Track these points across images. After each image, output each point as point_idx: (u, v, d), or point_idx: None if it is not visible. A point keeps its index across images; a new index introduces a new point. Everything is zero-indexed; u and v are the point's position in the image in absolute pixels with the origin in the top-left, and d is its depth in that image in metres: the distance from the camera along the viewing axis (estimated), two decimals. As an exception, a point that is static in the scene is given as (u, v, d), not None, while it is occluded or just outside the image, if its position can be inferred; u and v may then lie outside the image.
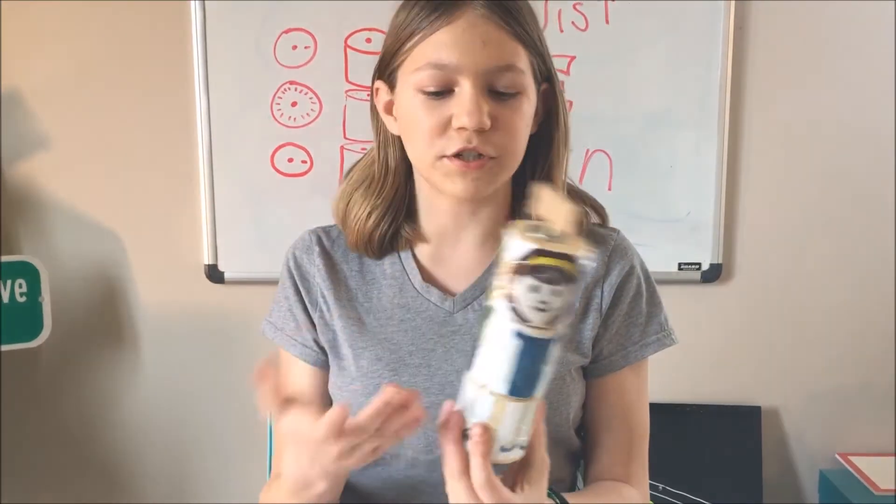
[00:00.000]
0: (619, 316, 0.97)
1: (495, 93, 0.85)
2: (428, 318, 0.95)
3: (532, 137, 0.93)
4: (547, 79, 0.92)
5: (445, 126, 0.85)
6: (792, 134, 1.87)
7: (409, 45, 0.87)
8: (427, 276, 0.97)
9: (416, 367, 0.93)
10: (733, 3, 1.79)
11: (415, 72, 0.86)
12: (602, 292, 0.97)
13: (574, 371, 0.96)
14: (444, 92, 0.85)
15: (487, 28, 0.84)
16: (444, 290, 0.96)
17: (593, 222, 1.02)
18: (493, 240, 0.96)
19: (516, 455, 0.73)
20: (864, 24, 1.83)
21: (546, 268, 0.65)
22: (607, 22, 1.80)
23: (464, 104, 0.83)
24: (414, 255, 0.98)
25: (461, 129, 0.84)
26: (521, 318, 0.67)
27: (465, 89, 0.84)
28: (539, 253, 0.65)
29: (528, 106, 0.88)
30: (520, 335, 0.67)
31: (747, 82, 1.85)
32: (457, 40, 0.83)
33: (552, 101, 0.93)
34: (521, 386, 0.69)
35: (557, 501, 0.83)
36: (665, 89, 1.83)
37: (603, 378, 0.99)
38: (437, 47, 0.84)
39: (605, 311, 0.97)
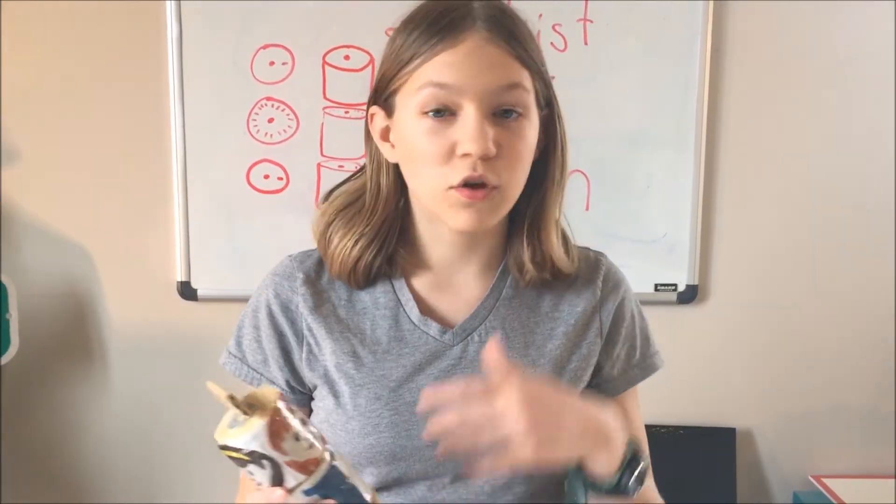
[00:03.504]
0: (618, 341, 0.97)
1: (499, 117, 0.83)
2: (427, 353, 0.91)
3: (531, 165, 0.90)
4: (548, 104, 0.90)
5: (450, 153, 0.82)
6: (768, 155, 1.89)
7: (409, 67, 0.84)
8: (424, 308, 0.93)
9: (415, 404, 0.88)
10: (711, 25, 1.80)
11: (416, 92, 0.83)
12: (600, 318, 0.96)
13: None
14: (446, 114, 0.82)
15: (492, 51, 0.82)
16: (442, 321, 0.93)
17: (580, 246, 1.00)
18: (490, 270, 0.95)
19: None
20: (841, 48, 1.85)
21: (232, 458, 0.69)
22: (586, 43, 1.81)
23: (468, 129, 0.81)
24: (409, 284, 0.94)
25: (465, 155, 0.81)
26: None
27: (470, 113, 0.81)
28: (221, 447, 0.69)
29: (532, 131, 0.86)
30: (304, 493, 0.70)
31: (724, 104, 1.86)
32: (461, 62, 0.81)
33: (552, 126, 0.90)
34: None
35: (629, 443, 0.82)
36: (643, 110, 1.84)
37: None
38: (440, 68, 0.82)
39: (605, 337, 0.96)
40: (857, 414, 1.98)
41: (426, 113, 0.83)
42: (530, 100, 0.85)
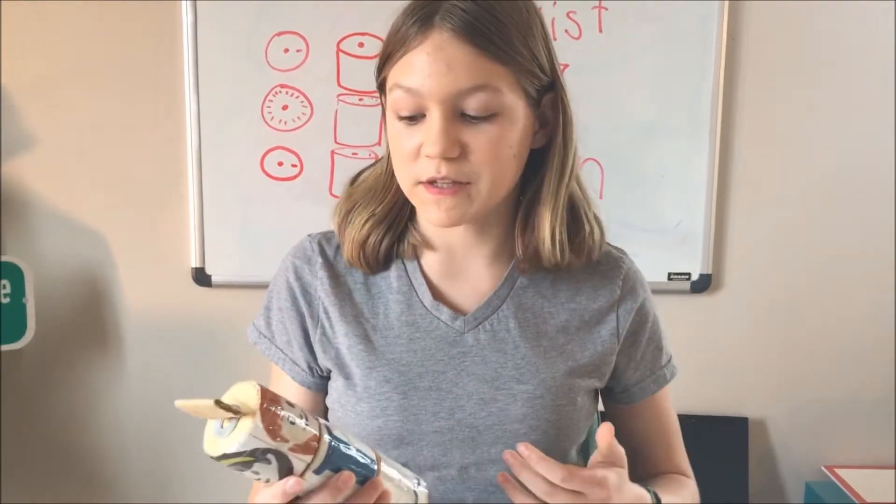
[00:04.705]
0: (642, 344, 0.97)
1: (469, 117, 0.81)
2: (438, 338, 0.91)
3: (539, 151, 0.89)
4: (550, 88, 0.87)
5: (417, 152, 0.83)
6: (783, 144, 1.87)
7: (388, 64, 0.84)
8: (436, 293, 0.93)
9: (425, 390, 0.90)
10: (727, 13, 1.79)
11: (390, 92, 0.84)
12: (617, 316, 0.95)
13: (585, 395, 0.94)
14: (416, 117, 0.82)
15: (453, 50, 0.79)
16: (454, 308, 0.93)
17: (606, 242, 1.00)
18: (503, 257, 0.94)
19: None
20: (859, 36, 1.84)
21: (234, 465, 0.67)
22: (600, 31, 1.80)
23: (430, 132, 0.81)
24: (421, 268, 0.94)
25: (429, 156, 0.82)
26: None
27: (433, 115, 0.81)
28: (220, 458, 0.66)
29: (510, 127, 0.83)
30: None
31: (739, 92, 1.85)
32: (422, 64, 0.80)
33: (555, 114, 0.88)
34: (366, 473, 0.72)
35: (652, 495, 0.86)
36: (657, 98, 1.83)
37: (638, 403, 0.99)
38: (405, 69, 0.81)
39: (624, 336, 0.95)
40: (871, 405, 1.97)
41: (399, 117, 0.83)
42: (503, 98, 0.81)
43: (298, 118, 1.82)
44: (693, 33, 1.80)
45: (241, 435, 0.64)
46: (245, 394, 0.66)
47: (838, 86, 1.85)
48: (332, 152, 1.83)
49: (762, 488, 1.98)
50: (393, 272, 0.94)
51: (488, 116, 0.81)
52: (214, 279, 1.88)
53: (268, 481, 0.68)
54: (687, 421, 1.87)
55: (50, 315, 1.85)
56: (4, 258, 1.71)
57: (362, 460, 0.71)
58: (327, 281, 0.94)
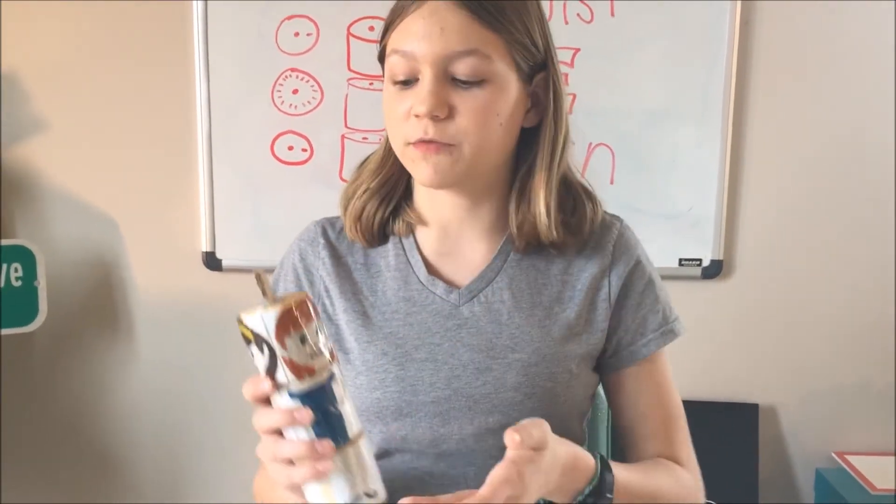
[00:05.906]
0: (631, 307, 0.96)
1: (460, 81, 0.85)
2: (433, 312, 0.94)
3: (531, 130, 0.92)
4: (543, 67, 0.90)
5: (408, 114, 0.86)
6: (795, 131, 1.86)
7: (388, 33, 0.89)
8: (431, 269, 0.96)
9: (421, 361, 0.92)
10: (740, -3, 1.78)
11: (387, 59, 0.88)
12: (609, 282, 0.96)
13: (581, 362, 0.95)
14: (410, 81, 0.86)
15: (448, 14, 0.83)
16: (449, 283, 0.95)
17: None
18: (496, 232, 0.96)
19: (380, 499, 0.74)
20: (869, 22, 1.82)
21: (242, 336, 0.70)
22: (612, 15, 1.79)
23: (420, 91, 0.85)
24: (417, 246, 0.97)
25: (417, 115, 0.85)
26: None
27: (425, 76, 0.84)
28: (238, 321, 0.70)
29: (500, 95, 0.86)
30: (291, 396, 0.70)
31: (751, 78, 1.83)
32: (417, 28, 0.84)
33: (546, 93, 0.91)
34: (330, 437, 0.70)
35: (598, 460, 0.82)
36: (669, 84, 1.82)
37: (627, 369, 0.98)
38: (401, 35, 0.86)
39: (615, 301, 0.96)
40: (881, 391, 1.96)
41: (394, 81, 0.87)
42: (493, 66, 0.85)
43: (309, 102, 1.82)
44: (706, 17, 1.79)
45: (256, 313, 0.68)
46: (294, 297, 0.69)
47: (851, 71, 1.84)
48: (343, 136, 1.83)
49: (772, 475, 1.98)
50: (391, 251, 0.97)
51: (478, 82, 0.85)
52: (225, 263, 1.88)
53: (256, 371, 0.70)
54: (697, 407, 1.90)
55: (61, 298, 1.86)
56: (16, 242, 1.72)
57: (335, 423, 0.71)
58: (329, 260, 0.98)
